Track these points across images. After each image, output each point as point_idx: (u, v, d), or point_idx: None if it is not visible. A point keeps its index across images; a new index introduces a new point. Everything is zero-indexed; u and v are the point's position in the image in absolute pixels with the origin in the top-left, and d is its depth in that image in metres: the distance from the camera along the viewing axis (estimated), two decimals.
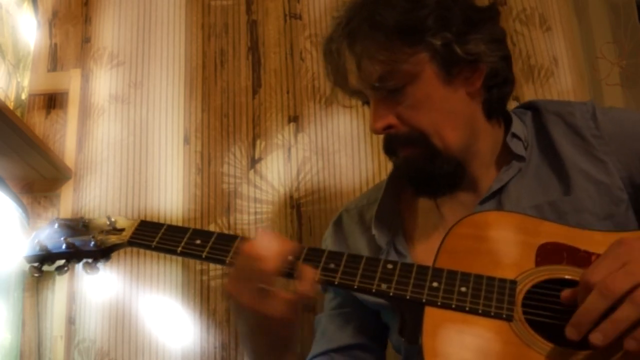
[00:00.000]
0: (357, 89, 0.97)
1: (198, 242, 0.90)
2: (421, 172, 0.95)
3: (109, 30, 1.74)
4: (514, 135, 1.00)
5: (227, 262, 0.88)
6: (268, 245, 0.83)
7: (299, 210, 1.57)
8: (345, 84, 0.99)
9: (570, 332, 0.69)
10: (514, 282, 0.80)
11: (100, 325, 1.51)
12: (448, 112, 0.94)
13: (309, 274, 0.83)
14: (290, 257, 0.85)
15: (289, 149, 1.61)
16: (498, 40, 0.97)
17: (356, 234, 1.10)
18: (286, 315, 0.82)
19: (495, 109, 1.00)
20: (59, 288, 1.52)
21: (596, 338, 0.67)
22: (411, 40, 0.90)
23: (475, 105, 0.98)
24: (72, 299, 1.52)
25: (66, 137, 1.65)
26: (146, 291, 1.52)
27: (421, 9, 0.90)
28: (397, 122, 0.94)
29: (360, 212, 1.13)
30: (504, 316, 0.77)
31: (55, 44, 1.75)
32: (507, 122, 1.02)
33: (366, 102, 1.00)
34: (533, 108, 1.05)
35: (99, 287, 1.53)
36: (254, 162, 1.61)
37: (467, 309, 0.78)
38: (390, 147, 0.98)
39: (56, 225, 0.99)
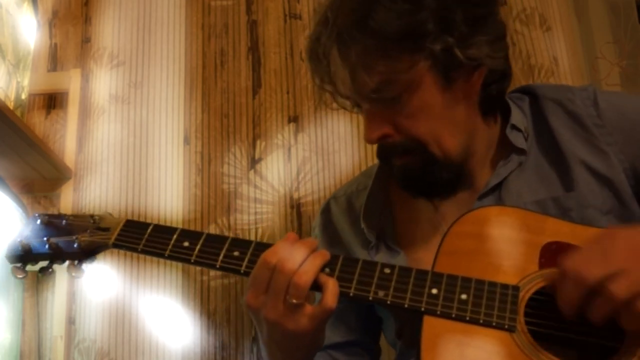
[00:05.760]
0: (347, 95, 0.90)
1: (186, 244, 0.86)
2: (419, 180, 0.91)
3: (109, 30, 1.74)
4: (514, 127, 0.94)
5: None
6: (300, 258, 0.79)
7: (299, 210, 1.57)
8: (333, 88, 0.91)
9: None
10: (516, 289, 0.77)
11: (100, 325, 1.51)
12: (446, 119, 0.88)
13: (333, 287, 0.79)
14: (327, 270, 0.81)
15: (289, 149, 1.61)
16: (500, 38, 0.90)
17: (345, 224, 1.06)
18: (311, 329, 0.79)
19: (493, 105, 0.95)
20: (59, 288, 1.52)
21: None
22: (411, 48, 0.82)
23: (473, 106, 0.91)
24: (72, 299, 1.52)
25: (66, 137, 1.65)
26: (146, 291, 1.52)
27: (420, 11, 0.81)
28: (393, 131, 0.87)
29: (348, 200, 1.08)
30: (506, 327, 0.74)
31: (55, 44, 1.75)
32: (504, 112, 0.97)
33: (357, 106, 0.93)
34: (531, 94, 1.00)
35: (99, 287, 1.53)
36: (254, 162, 1.61)
37: (467, 318, 0.75)
38: (385, 155, 0.93)
39: (39, 222, 0.94)
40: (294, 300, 0.77)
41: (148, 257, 1.54)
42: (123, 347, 1.49)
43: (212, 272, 1.53)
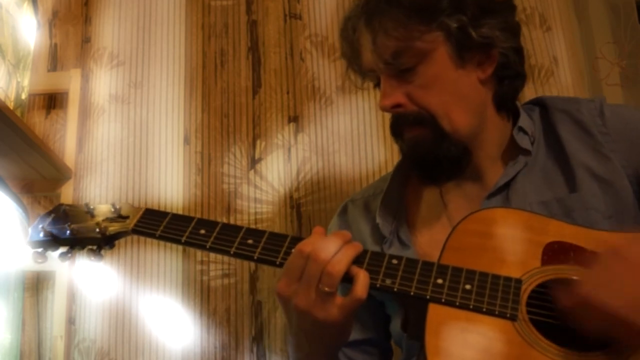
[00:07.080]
0: (370, 66, 0.98)
1: (202, 231, 0.90)
2: (427, 154, 0.96)
3: (109, 30, 1.74)
4: (521, 129, 1.00)
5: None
6: (334, 248, 0.82)
7: (299, 210, 1.57)
8: (358, 61, 1.01)
9: None
10: (519, 281, 0.80)
11: (100, 325, 1.51)
12: (458, 95, 0.95)
13: (364, 278, 0.82)
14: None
15: (289, 149, 1.61)
16: (512, 30, 0.98)
17: (361, 224, 1.10)
18: (340, 319, 0.81)
19: (505, 102, 1.01)
20: (59, 288, 1.51)
21: None
22: (426, 19, 0.92)
23: (486, 94, 0.98)
24: (72, 299, 1.52)
25: (66, 137, 1.64)
26: (146, 291, 1.52)
27: None
28: (407, 101, 0.95)
29: (366, 202, 1.13)
30: (508, 315, 0.77)
31: (55, 44, 1.75)
32: (515, 117, 1.02)
33: (377, 85, 1.00)
34: (541, 105, 1.06)
35: (98, 287, 1.53)
36: (254, 162, 1.61)
37: (471, 307, 0.78)
38: (398, 127, 0.98)
39: (61, 211, 0.99)
40: (326, 289, 0.80)
41: (147, 257, 1.54)
42: (123, 347, 1.49)
43: (212, 272, 1.53)
